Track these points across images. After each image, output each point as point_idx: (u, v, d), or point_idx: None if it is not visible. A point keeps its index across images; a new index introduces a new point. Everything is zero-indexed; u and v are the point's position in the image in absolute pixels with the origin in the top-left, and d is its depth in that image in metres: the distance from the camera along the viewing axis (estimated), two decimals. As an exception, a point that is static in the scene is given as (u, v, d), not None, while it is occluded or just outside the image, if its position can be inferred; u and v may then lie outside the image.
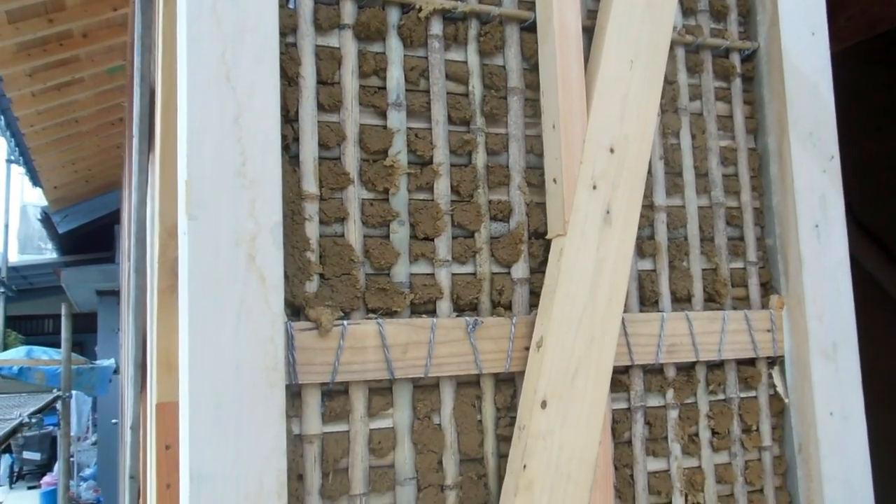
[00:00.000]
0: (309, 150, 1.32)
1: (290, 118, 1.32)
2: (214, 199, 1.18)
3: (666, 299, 1.59)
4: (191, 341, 1.15)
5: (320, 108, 1.35)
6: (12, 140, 5.82)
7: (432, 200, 1.41)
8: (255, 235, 1.20)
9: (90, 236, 8.72)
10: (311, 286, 1.30)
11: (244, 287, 1.19)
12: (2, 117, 5.23)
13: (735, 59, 1.73)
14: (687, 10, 1.69)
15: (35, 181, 6.97)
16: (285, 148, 1.30)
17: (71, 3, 4.05)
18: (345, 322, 1.29)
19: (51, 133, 5.70)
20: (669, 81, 1.64)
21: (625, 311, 1.50)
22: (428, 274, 1.40)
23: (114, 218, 8.19)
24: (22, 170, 6.93)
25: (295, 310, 1.29)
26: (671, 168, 1.63)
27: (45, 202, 8.20)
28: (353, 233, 1.34)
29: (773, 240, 1.70)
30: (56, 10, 4.06)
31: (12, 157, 7.04)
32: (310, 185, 1.31)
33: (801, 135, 1.65)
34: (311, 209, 1.31)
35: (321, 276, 1.31)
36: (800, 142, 1.65)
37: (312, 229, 1.31)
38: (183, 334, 1.18)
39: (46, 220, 8.22)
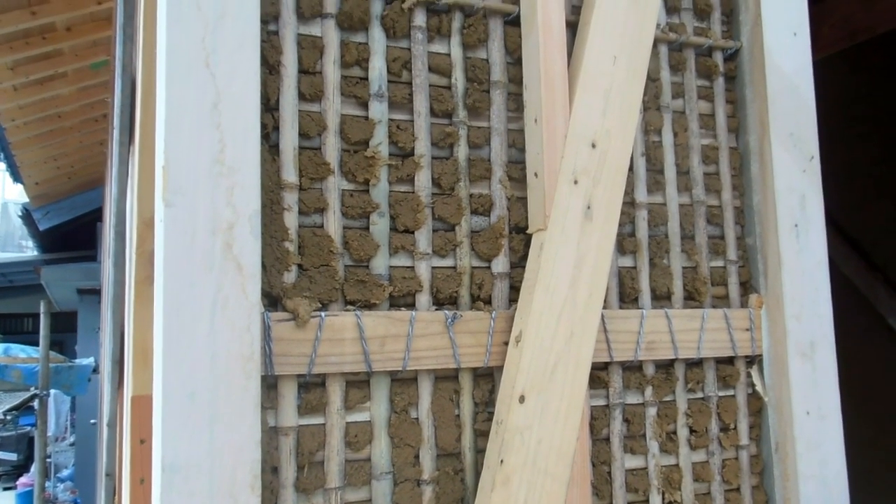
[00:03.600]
0: (289, 139, 1.31)
1: (270, 107, 1.31)
2: (191, 185, 1.17)
3: (646, 296, 1.59)
4: (165, 330, 1.13)
5: (301, 97, 1.34)
6: (-7, 135, 5.75)
7: (413, 193, 1.40)
8: (232, 224, 1.19)
9: (72, 234, 8.63)
10: (290, 277, 1.29)
11: (221, 276, 1.17)
12: (-18, 111, 5.16)
13: (718, 57, 1.74)
14: (671, 8, 1.70)
15: (16, 177, 6.89)
16: (265, 136, 1.29)
17: (55, -4, 4.01)
18: (322, 314, 1.28)
19: (33, 128, 5.64)
20: (652, 79, 1.64)
21: (605, 308, 1.49)
22: (408, 267, 1.39)
23: (96, 215, 8.11)
24: (2, 165, 6.85)
25: (272, 300, 1.27)
26: (653, 165, 1.63)
27: (26, 199, 8.12)
28: (333, 224, 1.33)
29: (753, 239, 1.70)
30: (40, 2, 4.03)
31: (-7, 153, 6.96)
32: (289, 174, 1.30)
33: (782, 135, 1.66)
34: (291, 199, 1.30)
35: (299, 266, 1.30)
36: (780, 142, 1.66)
37: (291, 219, 1.30)
38: (158, 323, 1.16)
39: (27, 216, 8.13)
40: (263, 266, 1.25)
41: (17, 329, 12.35)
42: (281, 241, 1.28)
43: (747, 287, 1.71)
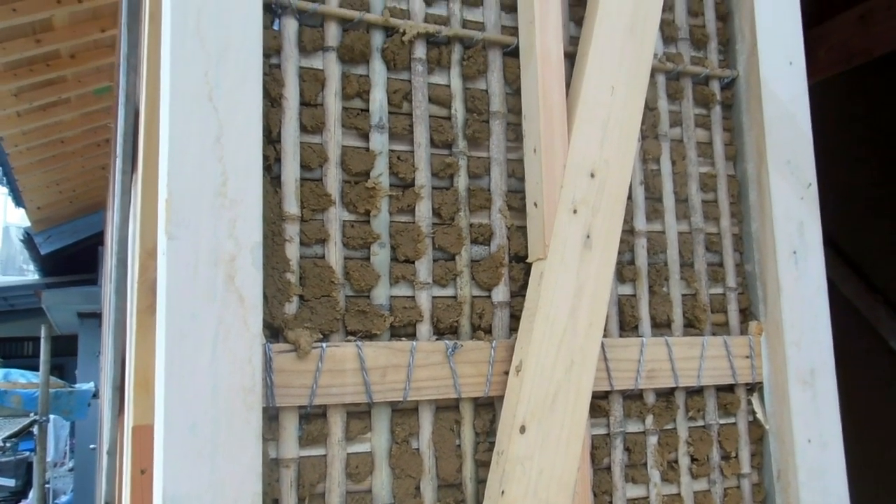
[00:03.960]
0: (291, 170, 1.32)
1: (272, 139, 1.32)
2: (194, 218, 1.18)
3: (646, 324, 1.59)
4: (167, 361, 1.14)
5: (303, 129, 1.35)
6: (-4, 160, 5.78)
7: (413, 223, 1.41)
8: (234, 256, 1.20)
9: (73, 258, 8.64)
10: (291, 308, 1.29)
11: (222, 307, 1.18)
12: (-15, 137, 5.20)
13: (715, 86, 1.76)
14: (668, 38, 1.72)
15: (18, 201, 6.92)
16: (267, 168, 1.30)
17: (59, 24, 4.06)
18: (324, 344, 1.29)
19: (36, 153, 5.67)
20: (650, 108, 1.66)
21: (605, 336, 1.50)
22: (408, 296, 1.40)
23: (98, 239, 8.13)
24: (4, 189, 6.88)
25: (274, 331, 1.28)
26: (651, 193, 1.64)
27: (27, 223, 8.14)
28: (334, 254, 1.34)
29: (752, 266, 1.71)
30: (44, 30, 4.07)
31: (-4, 178, 6.99)
32: (291, 206, 1.31)
33: (779, 162, 1.67)
34: (292, 230, 1.31)
35: (301, 297, 1.31)
36: (778, 169, 1.67)
37: (293, 250, 1.31)
38: (160, 354, 1.17)
39: (29, 241, 8.15)
40: (265, 297, 1.26)
41: (18, 353, 12.32)
42: (282, 273, 1.29)
43: (747, 314, 1.71)
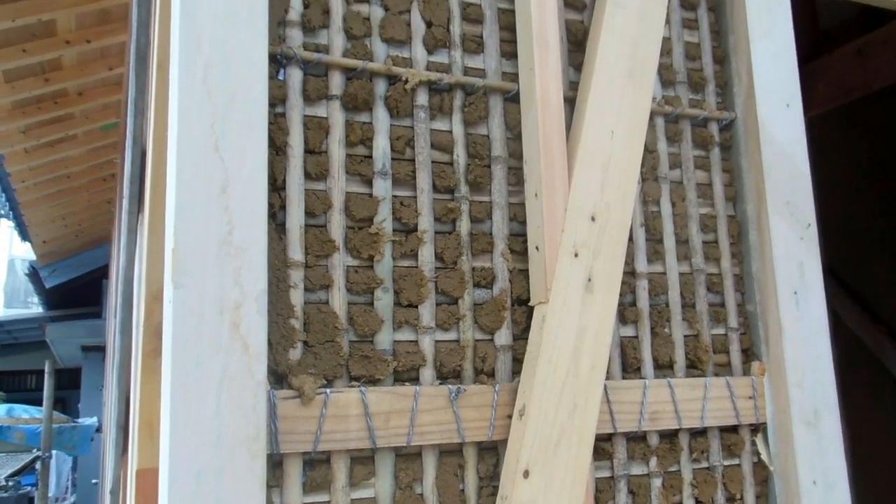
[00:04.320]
0: (295, 217, 1.34)
1: (277, 186, 1.34)
2: (200, 267, 1.19)
3: (648, 366, 1.60)
4: (172, 409, 1.15)
5: (307, 176, 1.37)
6: (3, 195, 5.83)
7: (416, 267, 1.43)
8: (239, 303, 1.21)
9: (78, 291, 8.67)
10: (295, 354, 1.30)
11: (227, 355, 1.19)
12: (-7, 174, 5.25)
13: (713, 128, 1.78)
14: (666, 81, 1.75)
15: (24, 236, 6.96)
16: (272, 216, 1.32)
17: (68, 63, 4.12)
18: (328, 390, 1.29)
19: (42, 188, 5.72)
20: (649, 150, 1.68)
21: (607, 379, 1.50)
22: (411, 341, 1.41)
23: (102, 272, 8.16)
24: (10, 223, 6.93)
25: (278, 377, 1.29)
26: (652, 235, 1.66)
27: (32, 255, 8.18)
28: (338, 300, 1.36)
29: (753, 306, 1.72)
30: (53, 69, 4.13)
31: (2, 212, 7.04)
32: (295, 252, 1.33)
33: (779, 203, 1.69)
34: (297, 276, 1.33)
35: (305, 343, 1.32)
36: (777, 210, 1.69)
37: (297, 296, 1.32)
38: (165, 402, 1.18)
39: (34, 274, 8.18)
40: (269, 343, 1.27)
41: (21, 386, 12.29)
42: (287, 319, 1.30)
43: (749, 354, 1.72)
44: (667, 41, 1.75)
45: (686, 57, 1.78)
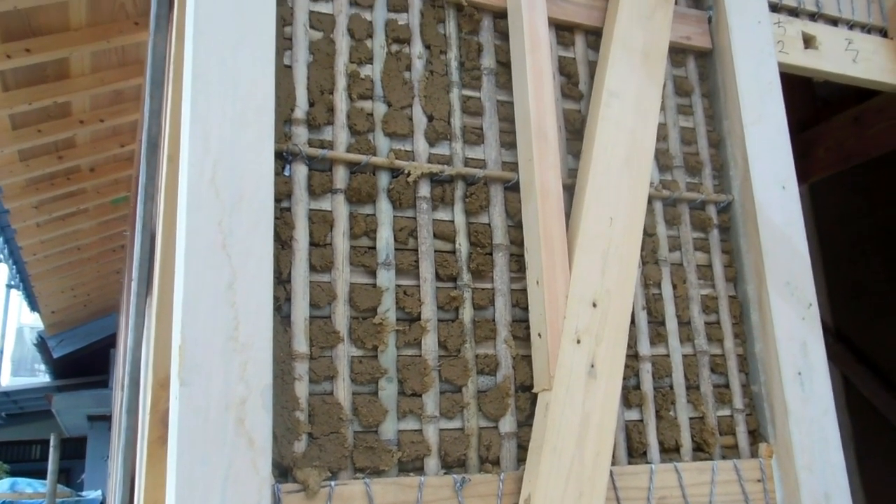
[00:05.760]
0: (300, 310, 1.37)
1: (282, 279, 1.37)
2: (206, 363, 1.21)
3: (654, 450, 1.59)
4: (177, 507, 1.15)
5: (312, 268, 1.40)
6: (14, 267, 5.90)
7: (420, 356, 1.44)
8: (244, 399, 1.22)
9: (85, 360, 8.66)
10: (300, 446, 1.31)
11: (232, 451, 1.20)
12: (5, 247, 5.33)
13: (711, 210, 1.81)
14: (663, 166, 1.79)
15: (33, 306, 7.01)
16: (277, 308, 1.35)
17: (81, 142, 4.23)
18: (332, 483, 1.29)
19: (52, 261, 5.79)
20: (649, 234, 1.71)
21: (613, 464, 1.50)
22: (416, 430, 1.41)
23: (110, 341, 8.17)
24: (21, 294, 6.98)
25: (283, 470, 1.29)
26: (654, 318, 1.67)
27: (41, 323, 8.21)
28: (342, 391, 1.37)
29: (758, 386, 1.72)
30: (66, 147, 4.24)
31: (12, 283, 7.11)
32: (300, 344, 1.35)
33: (779, 284, 1.71)
34: (301, 368, 1.34)
35: (310, 435, 1.33)
36: (777, 291, 1.70)
37: (302, 388, 1.34)
38: (170, 497, 1.18)
39: (42, 344, 8.20)
40: (274, 436, 1.28)
41: (25, 457, 12.16)
42: (292, 411, 1.31)
43: (756, 436, 1.71)
44: (662, 126, 1.79)
45: (682, 141, 1.83)
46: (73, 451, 10.44)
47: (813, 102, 4.25)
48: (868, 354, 4.33)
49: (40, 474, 7.29)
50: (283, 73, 1.45)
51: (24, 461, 11.64)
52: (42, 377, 11.82)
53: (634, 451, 1.58)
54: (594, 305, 1.51)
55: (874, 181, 4.35)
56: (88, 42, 3.24)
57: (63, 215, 5.08)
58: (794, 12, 2.05)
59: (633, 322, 1.62)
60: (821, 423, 1.65)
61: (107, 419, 8.02)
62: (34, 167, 4.18)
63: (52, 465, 5.54)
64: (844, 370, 4.07)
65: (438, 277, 1.50)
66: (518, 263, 1.57)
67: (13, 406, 10.06)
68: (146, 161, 2.21)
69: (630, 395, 1.60)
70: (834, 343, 3.97)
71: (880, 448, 4.05)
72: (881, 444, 4.06)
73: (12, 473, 8.45)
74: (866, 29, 2.17)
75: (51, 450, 5.65)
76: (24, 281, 6.27)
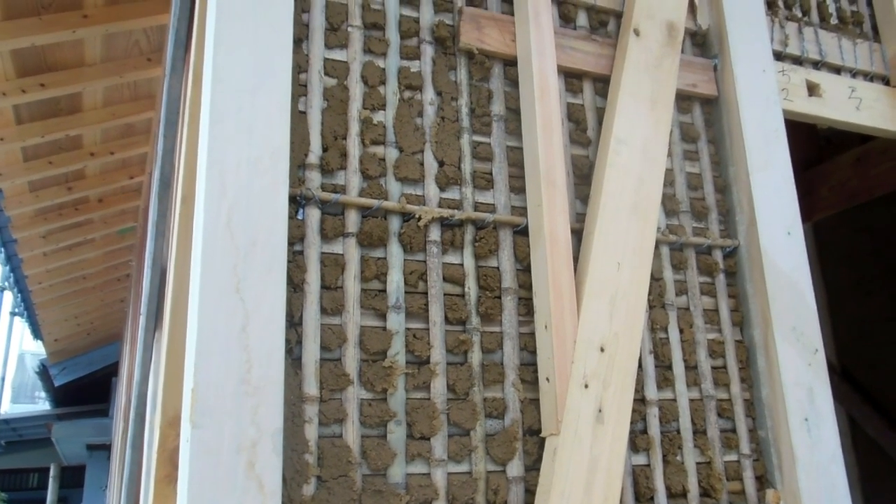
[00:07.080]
0: (311, 352, 1.38)
1: (294, 322, 1.39)
2: (218, 406, 1.22)
3: (661, 495, 1.59)
4: (186, 552, 1.15)
5: (323, 311, 1.42)
6: (19, 295, 5.92)
7: (429, 399, 1.45)
8: (255, 442, 1.23)
9: (86, 388, 8.63)
10: (309, 489, 1.31)
11: (243, 495, 1.20)
12: (11, 275, 5.35)
13: (717, 255, 1.83)
14: (670, 211, 1.81)
15: (36, 334, 7.01)
16: (288, 351, 1.36)
17: (91, 173, 4.27)
18: (340, 527, 1.29)
19: (58, 289, 5.81)
20: (656, 278, 1.73)
21: (620, 510, 1.49)
22: (424, 474, 1.41)
23: (111, 370, 8.16)
24: (24, 321, 6.99)
25: (291, 514, 1.29)
26: (661, 362, 1.68)
27: (43, 351, 8.20)
28: (352, 433, 1.37)
29: (765, 432, 1.72)
30: (76, 178, 4.28)
31: (17, 311, 7.13)
32: (310, 387, 1.36)
33: (785, 329, 1.72)
34: (311, 411, 1.35)
35: (319, 478, 1.33)
36: (784, 336, 1.71)
37: (312, 431, 1.34)
38: (178, 542, 1.18)
39: (44, 372, 8.19)
40: (283, 479, 1.28)
41: (22, 485, 12.05)
42: (301, 454, 1.32)
43: (763, 481, 1.71)
44: (669, 172, 1.82)
45: (689, 187, 1.85)
46: (71, 479, 10.35)
47: (816, 141, 4.29)
48: (873, 393, 4.32)
49: (38, 502, 7.22)
50: (298, 119, 1.48)
51: (22, 489, 11.55)
52: (42, 404, 11.76)
53: (641, 496, 1.57)
54: (602, 350, 1.52)
55: (878, 220, 4.37)
56: (102, 77, 3.29)
57: (70, 245, 5.11)
58: (797, 61, 2.09)
59: (640, 366, 1.63)
60: (828, 470, 1.65)
61: (106, 448, 7.97)
62: (43, 198, 4.22)
63: (51, 495, 5.49)
64: (850, 410, 4.05)
65: (448, 321, 1.51)
66: (526, 307, 1.58)
67: (12, 434, 10.00)
68: (158, 198, 2.24)
69: (637, 439, 1.60)
70: (839, 382, 3.96)
71: (887, 489, 4.02)
72: (888, 484, 4.03)
73: (10, 502, 8.37)
74: (869, 77, 2.20)
75: (50, 480, 5.61)
76: (28, 308, 6.29)
